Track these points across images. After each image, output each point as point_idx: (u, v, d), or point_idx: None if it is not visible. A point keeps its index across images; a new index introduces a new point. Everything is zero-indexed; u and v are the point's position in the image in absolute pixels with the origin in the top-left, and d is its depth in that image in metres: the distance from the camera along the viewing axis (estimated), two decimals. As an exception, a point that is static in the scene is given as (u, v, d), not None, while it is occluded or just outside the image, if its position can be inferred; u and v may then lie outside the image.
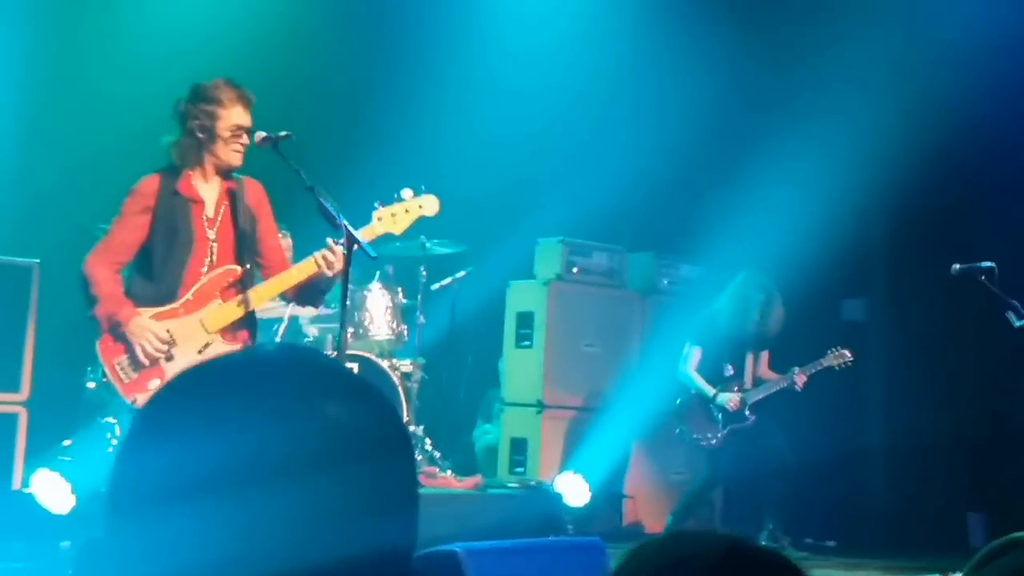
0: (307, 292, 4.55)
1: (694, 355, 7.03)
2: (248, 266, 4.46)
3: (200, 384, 0.95)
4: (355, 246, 4.33)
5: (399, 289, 6.72)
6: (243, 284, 4.43)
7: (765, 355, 7.14)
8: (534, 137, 7.91)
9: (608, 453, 7.32)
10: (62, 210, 6.31)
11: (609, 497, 7.35)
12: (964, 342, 7.54)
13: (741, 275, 7.00)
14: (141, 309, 4.31)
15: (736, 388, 6.95)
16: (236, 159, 4.39)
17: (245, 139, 4.38)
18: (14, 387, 4.96)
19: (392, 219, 4.59)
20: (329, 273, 4.36)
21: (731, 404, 6.87)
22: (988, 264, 5.70)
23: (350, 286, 6.32)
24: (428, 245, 6.93)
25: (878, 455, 7.93)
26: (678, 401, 7.05)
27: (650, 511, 7.52)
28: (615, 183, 7.56)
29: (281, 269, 4.53)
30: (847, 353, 6.93)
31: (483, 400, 8.03)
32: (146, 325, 4.24)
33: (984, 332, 6.71)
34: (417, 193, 4.67)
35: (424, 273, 6.88)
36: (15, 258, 5.10)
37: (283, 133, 4.37)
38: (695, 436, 6.97)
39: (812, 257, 7.28)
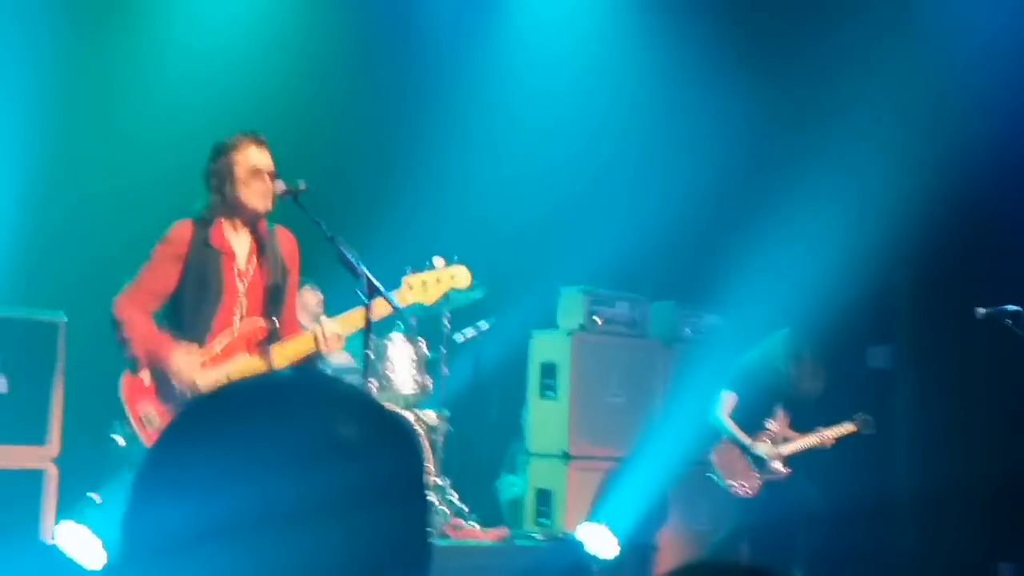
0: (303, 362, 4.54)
1: (728, 401, 6.98)
2: (276, 321, 4.45)
3: (207, 423, 0.93)
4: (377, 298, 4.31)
5: (422, 340, 6.74)
6: (270, 339, 4.42)
7: (788, 414, 7.11)
8: (555, 186, 7.96)
9: (635, 503, 7.29)
10: (87, 262, 6.36)
11: (638, 549, 7.30)
12: (991, 387, 7.48)
13: (788, 330, 6.97)
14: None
15: (768, 440, 6.92)
16: (259, 203, 4.32)
17: (267, 180, 4.34)
18: (43, 442, 4.99)
19: (423, 287, 4.56)
20: (323, 351, 4.34)
21: (769, 455, 6.84)
22: (1014, 308, 5.69)
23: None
24: (450, 294, 6.95)
25: (905, 503, 7.85)
26: (712, 447, 6.99)
27: (673, 562, 7.45)
28: (636, 232, 7.59)
29: (291, 325, 4.51)
30: (871, 420, 6.95)
31: (508, 452, 8.01)
32: (188, 358, 4.20)
33: (1012, 377, 6.66)
34: (449, 262, 4.67)
35: (447, 324, 6.90)
36: (42, 313, 5.15)
37: (301, 184, 4.35)
38: (728, 483, 6.90)
39: (836, 304, 7.26)
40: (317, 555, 0.87)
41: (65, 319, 5.15)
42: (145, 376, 4.26)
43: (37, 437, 4.96)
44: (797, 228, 7.47)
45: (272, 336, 4.42)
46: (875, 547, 7.63)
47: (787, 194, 7.57)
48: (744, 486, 6.84)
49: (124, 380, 4.27)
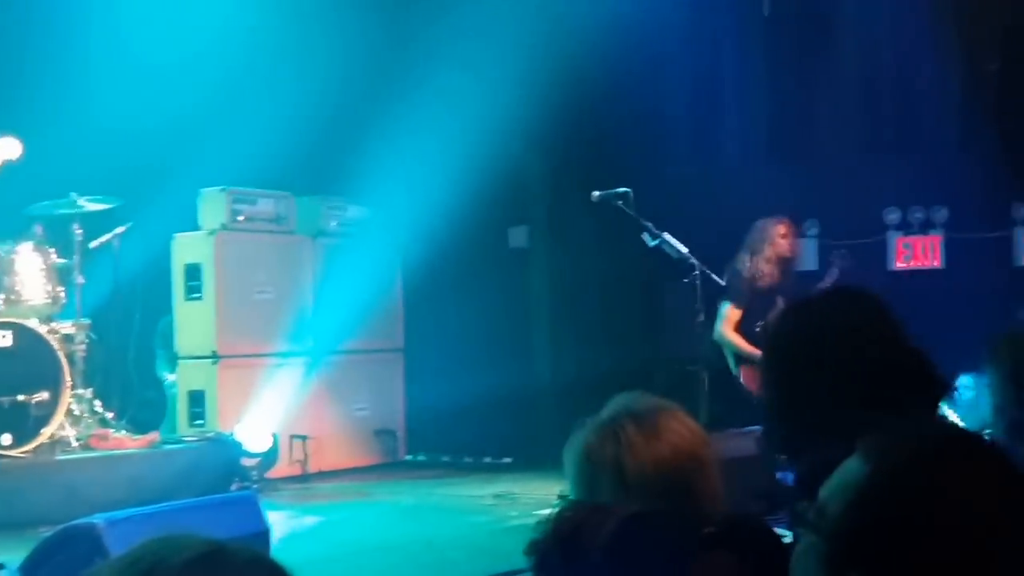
0: None
1: (732, 315, 6.28)
2: None
3: None
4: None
5: (51, 250, 6.49)
6: None
7: None
8: (190, 85, 7.73)
9: (289, 397, 7.42)
10: None
11: (293, 439, 7.46)
12: (614, 263, 8.05)
13: (759, 222, 6.37)
14: None
15: None
16: None
17: None
18: None
19: None
20: None
21: None
22: (624, 189, 6.09)
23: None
24: (80, 202, 6.70)
25: (546, 375, 8.36)
26: (739, 368, 6.24)
27: (335, 450, 7.71)
28: (277, 130, 7.52)
29: None
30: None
31: (159, 329, 7.78)
32: None
33: (629, 250, 7.12)
34: None
35: (79, 231, 6.65)
36: None
37: None
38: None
39: (478, 189, 7.56)
40: None
41: None
42: None
43: None
44: (434, 118, 7.66)
45: None
46: (521, 419, 8.08)
47: (422, 83, 7.74)
48: None
49: None
